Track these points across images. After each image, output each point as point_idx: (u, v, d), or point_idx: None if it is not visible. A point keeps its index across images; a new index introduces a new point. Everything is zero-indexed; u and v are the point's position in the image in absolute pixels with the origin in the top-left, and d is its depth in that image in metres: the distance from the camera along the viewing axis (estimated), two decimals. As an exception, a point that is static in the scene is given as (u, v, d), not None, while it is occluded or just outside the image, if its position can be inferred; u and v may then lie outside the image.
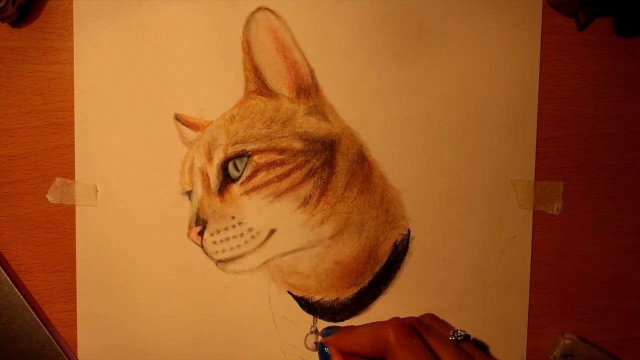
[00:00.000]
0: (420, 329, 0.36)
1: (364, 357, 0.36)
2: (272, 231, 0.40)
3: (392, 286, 0.40)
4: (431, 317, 0.40)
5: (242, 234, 0.40)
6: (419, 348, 0.34)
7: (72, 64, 0.40)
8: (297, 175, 0.39)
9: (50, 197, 0.41)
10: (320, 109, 0.40)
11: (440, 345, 0.35)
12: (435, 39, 0.40)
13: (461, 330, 0.36)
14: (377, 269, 0.40)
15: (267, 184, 0.39)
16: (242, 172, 0.39)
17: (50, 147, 0.40)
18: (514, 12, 0.39)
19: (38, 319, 0.40)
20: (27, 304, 0.40)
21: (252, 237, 0.40)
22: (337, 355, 0.36)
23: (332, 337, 0.37)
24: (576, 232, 0.40)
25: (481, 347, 0.40)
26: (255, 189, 0.40)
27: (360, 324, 0.37)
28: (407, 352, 0.33)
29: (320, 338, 0.38)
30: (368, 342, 0.35)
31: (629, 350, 0.41)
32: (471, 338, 0.37)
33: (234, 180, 0.40)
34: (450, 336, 0.36)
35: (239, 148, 0.40)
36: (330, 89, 0.40)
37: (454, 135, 0.40)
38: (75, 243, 0.41)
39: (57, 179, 0.41)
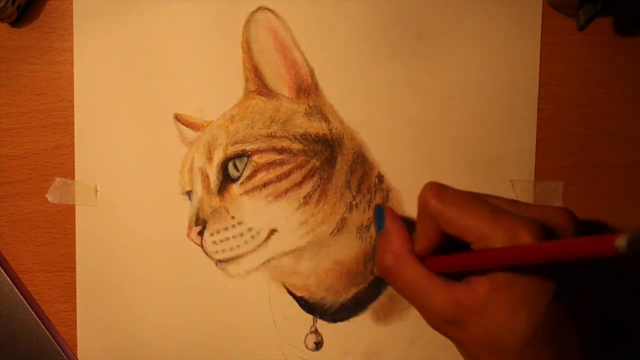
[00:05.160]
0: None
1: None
2: (273, 231, 0.40)
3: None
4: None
5: (242, 234, 0.40)
6: None
7: (72, 64, 0.40)
8: (297, 175, 0.39)
9: (50, 197, 0.41)
10: (320, 109, 0.40)
11: None
12: (435, 39, 0.40)
13: None
14: (377, 269, 0.40)
15: (267, 184, 0.39)
16: (242, 172, 0.39)
17: (50, 147, 0.40)
18: (514, 12, 0.39)
19: (38, 319, 0.40)
20: (27, 304, 0.40)
21: (252, 237, 0.40)
22: (394, 220, 0.34)
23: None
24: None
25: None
26: (255, 188, 0.39)
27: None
28: None
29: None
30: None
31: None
32: None
33: (234, 180, 0.40)
34: None
35: (238, 148, 0.40)
36: (330, 89, 0.40)
37: (454, 135, 0.40)
38: (75, 243, 0.41)
39: (57, 179, 0.41)
